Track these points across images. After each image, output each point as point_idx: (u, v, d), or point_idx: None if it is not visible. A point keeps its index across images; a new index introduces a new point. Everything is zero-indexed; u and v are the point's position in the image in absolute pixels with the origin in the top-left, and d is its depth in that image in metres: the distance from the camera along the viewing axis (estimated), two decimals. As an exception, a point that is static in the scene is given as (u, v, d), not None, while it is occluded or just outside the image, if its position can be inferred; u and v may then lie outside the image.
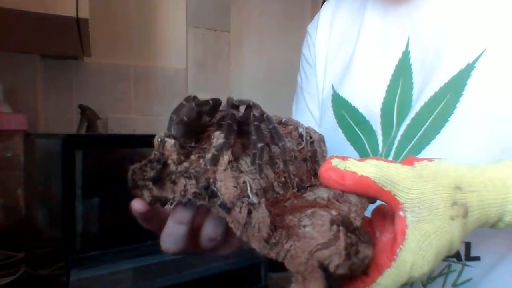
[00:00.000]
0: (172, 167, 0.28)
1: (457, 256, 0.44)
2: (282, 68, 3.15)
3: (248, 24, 2.82)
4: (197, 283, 0.98)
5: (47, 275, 0.84)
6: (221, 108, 0.34)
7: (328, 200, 0.29)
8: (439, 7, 0.47)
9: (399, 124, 0.48)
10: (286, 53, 3.06)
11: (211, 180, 0.27)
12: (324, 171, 0.30)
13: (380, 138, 0.50)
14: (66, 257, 0.85)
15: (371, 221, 0.33)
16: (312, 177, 0.35)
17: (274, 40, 3.14)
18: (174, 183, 0.28)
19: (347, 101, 0.54)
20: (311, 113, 0.63)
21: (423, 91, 0.46)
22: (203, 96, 0.33)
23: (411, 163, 0.30)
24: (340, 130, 0.55)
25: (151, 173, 0.28)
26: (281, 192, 0.31)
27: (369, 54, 0.53)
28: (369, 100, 0.52)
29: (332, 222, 0.25)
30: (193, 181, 0.27)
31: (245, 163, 0.30)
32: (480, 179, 0.30)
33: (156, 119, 1.53)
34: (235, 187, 0.27)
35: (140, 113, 1.50)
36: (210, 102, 0.32)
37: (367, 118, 0.52)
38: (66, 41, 1.11)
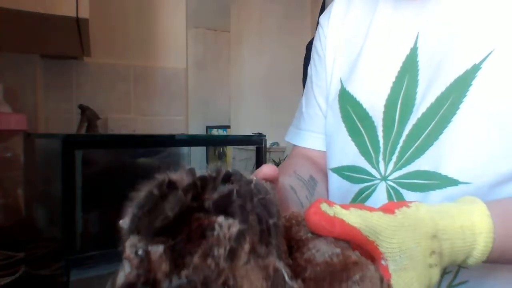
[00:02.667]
0: (165, 283, 0.21)
1: None
2: (282, 67, 3.16)
3: (248, 24, 2.82)
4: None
5: (47, 275, 0.84)
6: (181, 177, 0.26)
7: (343, 254, 0.27)
8: (450, 6, 0.47)
9: (401, 121, 0.48)
10: (286, 53, 3.06)
11: (231, 283, 0.21)
12: (312, 214, 0.28)
13: (380, 134, 0.50)
14: (66, 257, 0.85)
15: None
16: (286, 231, 0.32)
17: (274, 40, 3.13)
18: None
19: (352, 96, 0.54)
20: (319, 106, 0.63)
21: (429, 90, 0.46)
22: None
23: (391, 212, 0.30)
24: (343, 125, 0.55)
25: None
26: (291, 262, 0.27)
27: (377, 49, 0.53)
28: (373, 96, 0.52)
29: (382, 280, 0.25)
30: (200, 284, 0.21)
31: (259, 245, 0.24)
32: (452, 227, 0.32)
33: (156, 119, 1.53)
34: (265, 278, 0.22)
35: (140, 113, 1.50)
36: (198, 182, 0.25)
37: (370, 113, 0.52)
38: (66, 41, 1.11)
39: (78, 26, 0.93)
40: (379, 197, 0.50)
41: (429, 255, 0.29)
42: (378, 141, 0.51)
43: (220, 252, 0.22)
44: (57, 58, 1.32)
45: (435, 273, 0.30)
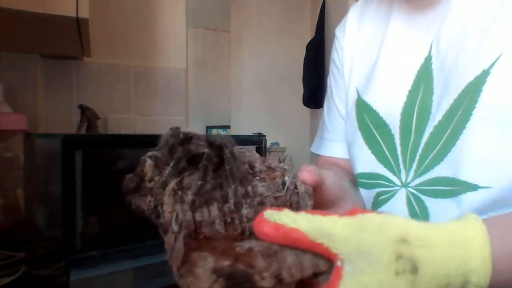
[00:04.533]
0: (146, 183, 0.33)
1: None
2: (282, 68, 3.16)
3: (248, 24, 2.82)
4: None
5: (47, 275, 0.84)
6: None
7: (251, 252, 0.28)
8: (461, 14, 0.48)
9: (418, 129, 0.49)
10: (286, 53, 3.06)
11: (161, 201, 0.31)
12: (256, 223, 0.29)
13: (398, 142, 0.51)
14: (66, 257, 0.85)
15: None
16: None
17: (274, 40, 3.13)
18: (145, 196, 0.33)
19: (369, 105, 0.55)
20: (341, 115, 0.64)
21: (443, 98, 0.47)
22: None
23: (353, 214, 0.29)
24: (359, 133, 0.56)
25: (132, 184, 0.33)
26: (222, 231, 0.31)
27: (392, 59, 0.54)
28: (390, 104, 0.52)
29: (214, 271, 0.27)
30: (153, 199, 0.32)
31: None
32: (434, 234, 0.28)
33: (156, 119, 1.53)
34: (170, 213, 0.31)
35: (140, 113, 1.50)
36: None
37: (387, 121, 0.52)
38: (66, 41, 1.11)
39: (78, 26, 0.93)
40: (399, 203, 0.51)
41: (395, 259, 0.27)
42: (396, 149, 0.51)
43: (160, 180, 0.32)
44: (57, 58, 1.32)
45: (404, 282, 0.27)
